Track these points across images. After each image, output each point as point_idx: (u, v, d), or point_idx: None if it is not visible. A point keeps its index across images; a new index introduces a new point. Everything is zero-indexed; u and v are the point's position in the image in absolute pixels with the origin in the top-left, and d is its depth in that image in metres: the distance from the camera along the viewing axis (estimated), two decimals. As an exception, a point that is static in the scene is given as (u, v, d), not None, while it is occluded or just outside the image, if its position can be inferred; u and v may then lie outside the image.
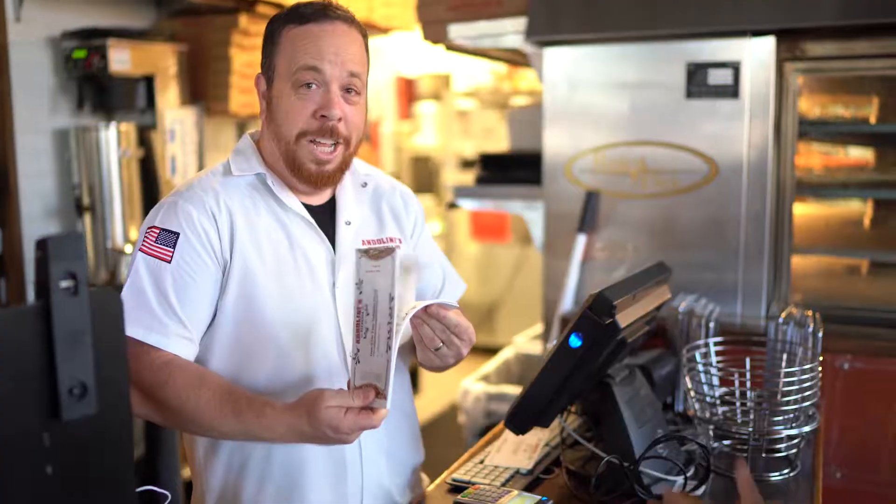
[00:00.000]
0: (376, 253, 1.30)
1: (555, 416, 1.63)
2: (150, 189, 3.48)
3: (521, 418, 1.59)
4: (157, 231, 1.48)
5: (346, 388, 1.33)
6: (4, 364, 0.87)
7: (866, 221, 2.97)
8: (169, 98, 3.54)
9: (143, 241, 1.49)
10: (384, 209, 1.69)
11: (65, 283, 0.91)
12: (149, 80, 3.46)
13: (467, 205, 2.98)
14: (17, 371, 0.88)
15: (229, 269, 1.49)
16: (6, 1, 3.13)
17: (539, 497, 1.52)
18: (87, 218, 3.33)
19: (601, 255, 2.54)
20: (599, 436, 1.72)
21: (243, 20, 3.66)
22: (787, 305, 2.09)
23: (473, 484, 1.60)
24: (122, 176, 3.34)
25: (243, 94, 3.75)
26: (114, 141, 3.30)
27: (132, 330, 1.41)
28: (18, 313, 0.89)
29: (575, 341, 1.49)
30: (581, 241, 2.50)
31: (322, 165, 1.51)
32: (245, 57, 3.74)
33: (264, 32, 1.56)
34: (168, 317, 1.44)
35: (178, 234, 1.47)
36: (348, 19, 1.53)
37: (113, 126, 3.31)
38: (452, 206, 3.18)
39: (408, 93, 7.90)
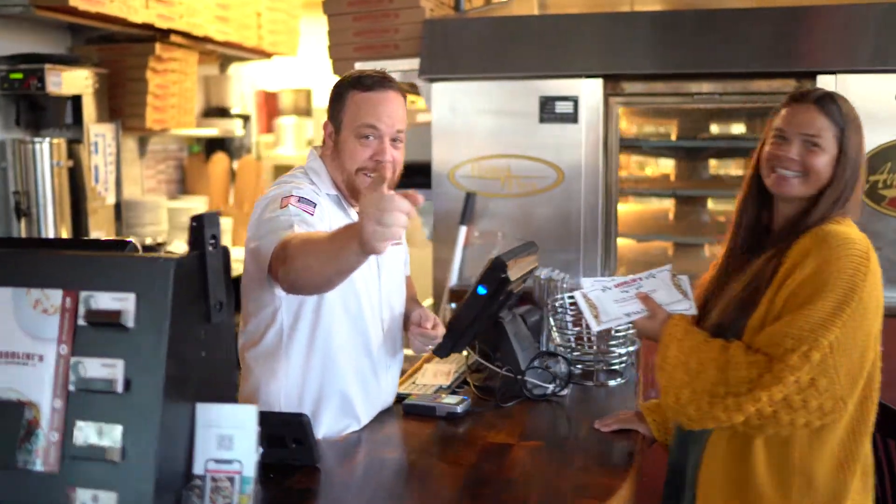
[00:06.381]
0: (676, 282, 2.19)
1: (464, 347, 2.36)
2: (77, 195, 3.93)
3: (445, 347, 2.31)
4: (297, 197, 1.95)
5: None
6: (186, 285, 1.49)
7: (671, 215, 3.93)
8: (90, 115, 4.00)
9: (287, 203, 1.92)
10: None
11: (212, 241, 1.54)
12: (76, 100, 3.91)
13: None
14: (192, 292, 1.51)
15: None
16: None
17: (462, 397, 2.25)
18: (24, 222, 3.74)
19: (478, 242, 3.30)
20: (496, 361, 2.45)
21: (158, 48, 4.18)
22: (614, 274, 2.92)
23: (412, 394, 2.30)
24: (55, 184, 3.78)
25: (157, 112, 4.26)
26: (47, 153, 3.74)
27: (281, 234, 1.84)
28: (191, 257, 1.52)
29: (482, 290, 2.22)
30: (463, 231, 3.25)
31: None
32: (159, 79, 4.25)
33: (332, 92, 2.10)
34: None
35: (315, 203, 1.98)
36: (397, 88, 2.05)
37: (47, 140, 3.75)
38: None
39: (269, 107, 8.43)
